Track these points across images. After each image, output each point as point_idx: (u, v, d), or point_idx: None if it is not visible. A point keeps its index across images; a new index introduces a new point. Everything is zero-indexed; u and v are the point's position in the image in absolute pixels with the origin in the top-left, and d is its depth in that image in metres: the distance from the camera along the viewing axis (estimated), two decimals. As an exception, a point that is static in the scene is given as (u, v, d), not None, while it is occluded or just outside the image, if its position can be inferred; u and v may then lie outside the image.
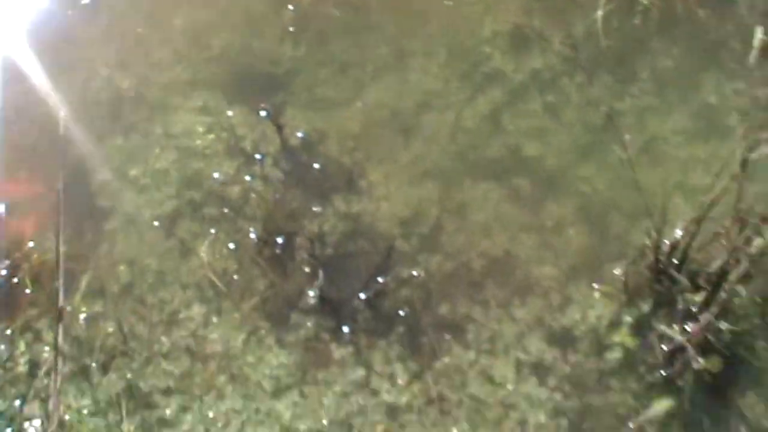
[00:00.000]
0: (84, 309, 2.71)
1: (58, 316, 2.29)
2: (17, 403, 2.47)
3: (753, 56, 3.30)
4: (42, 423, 2.42)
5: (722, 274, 2.52)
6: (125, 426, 2.45)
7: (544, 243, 2.99)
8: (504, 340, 2.74)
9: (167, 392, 2.55)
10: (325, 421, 2.52)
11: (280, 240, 2.93)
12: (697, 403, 2.65)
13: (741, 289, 2.62)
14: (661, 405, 2.62)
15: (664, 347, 2.69)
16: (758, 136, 2.37)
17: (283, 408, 2.53)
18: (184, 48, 3.49)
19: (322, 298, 2.78)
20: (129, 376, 2.57)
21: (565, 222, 3.03)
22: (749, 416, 2.65)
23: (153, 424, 2.47)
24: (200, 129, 3.25)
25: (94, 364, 2.59)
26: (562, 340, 2.77)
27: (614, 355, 2.73)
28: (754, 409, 2.66)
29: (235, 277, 2.84)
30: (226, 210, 3.01)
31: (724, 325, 2.65)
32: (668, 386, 2.67)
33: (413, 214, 3.04)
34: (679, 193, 3.00)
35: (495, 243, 2.98)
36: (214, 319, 2.73)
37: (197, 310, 2.74)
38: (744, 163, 2.38)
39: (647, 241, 2.78)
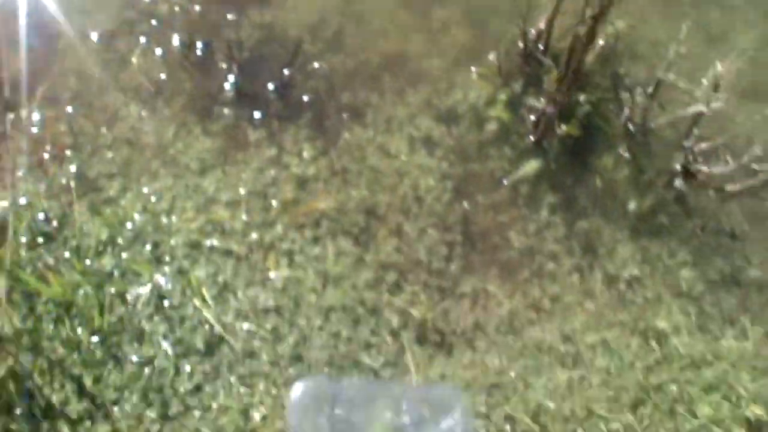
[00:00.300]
0: (40, 114, 2.51)
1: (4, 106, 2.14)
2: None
3: None
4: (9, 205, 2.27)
5: (575, 50, 2.37)
6: (76, 206, 2.29)
7: (432, 41, 2.81)
8: (398, 120, 2.60)
9: (110, 177, 2.38)
10: (242, 191, 2.38)
11: (201, 46, 2.73)
12: (562, 165, 2.55)
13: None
14: (531, 165, 2.51)
15: (533, 117, 2.56)
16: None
17: (208, 184, 2.38)
18: None
19: (239, 92, 2.60)
20: (78, 165, 2.39)
21: (450, 23, 2.86)
22: (603, 173, 2.56)
23: (99, 203, 2.31)
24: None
25: (47, 156, 2.40)
26: (448, 117, 2.64)
27: (491, 128, 2.61)
28: (606, 167, 2.57)
29: (164, 77, 2.65)
30: (155, 23, 2.78)
31: (582, 98, 2.52)
32: (537, 151, 2.55)
33: (319, 21, 2.84)
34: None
35: (390, 43, 2.80)
36: (149, 116, 2.54)
37: (134, 109, 2.55)
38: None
39: (517, 32, 2.62)
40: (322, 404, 1.96)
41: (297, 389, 1.81)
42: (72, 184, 2.33)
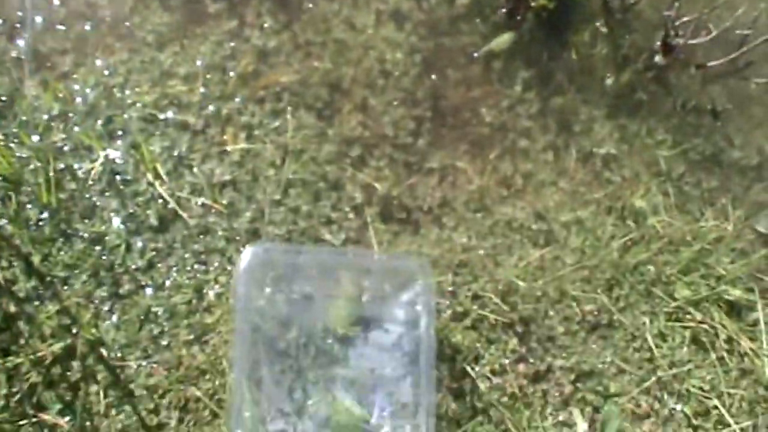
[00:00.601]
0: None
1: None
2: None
3: None
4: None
5: None
6: (27, 81, 1.97)
7: None
8: (365, -8, 2.23)
9: (63, 52, 2.05)
10: (200, 64, 2.05)
11: None
12: (537, 39, 2.22)
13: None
14: (504, 38, 2.16)
15: (506, -11, 2.20)
16: None
17: (164, 57, 2.06)
18: None
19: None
20: (30, 41, 2.04)
21: None
22: (580, 48, 2.22)
23: (52, 79, 1.99)
24: None
25: (-3, 34, 2.06)
26: (418, -10, 2.26)
27: (463, 1, 2.25)
28: (584, 42, 2.23)
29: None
30: None
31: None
32: (510, 24, 2.22)
33: None
34: None
35: None
36: (107, -8, 2.18)
37: (89, -15, 2.19)
38: None
39: None
40: (279, 281, 1.66)
41: (247, 254, 1.50)
42: (23, 61, 1.96)
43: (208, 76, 2.01)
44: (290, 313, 1.67)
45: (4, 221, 1.76)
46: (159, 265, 1.77)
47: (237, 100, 1.99)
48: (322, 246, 1.82)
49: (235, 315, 1.55)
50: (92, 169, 1.85)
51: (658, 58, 2.23)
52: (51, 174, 1.82)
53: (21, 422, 1.55)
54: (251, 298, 1.57)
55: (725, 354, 1.93)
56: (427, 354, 1.54)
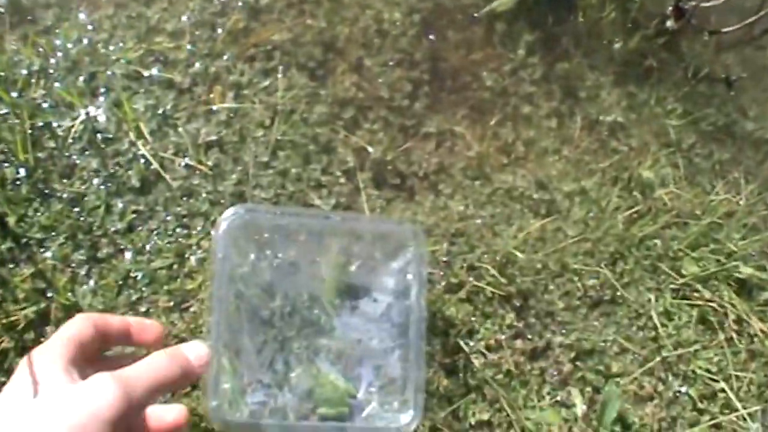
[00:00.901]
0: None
1: None
2: None
3: None
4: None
5: None
6: (7, 36, 1.84)
7: None
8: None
9: (46, 6, 1.92)
10: (186, 19, 1.91)
11: None
12: (543, 1, 2.04)
13: None
14: (507, -1, 2.00)
15: (511, -53, 2.04)
16: None
17: (151, 13, 1.92)
18: None
19: None
20: (14, -4, 1.91)
21: None
22: (587, 10, 2.09)
23: (33, 34, 1.85)
24: None
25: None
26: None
27: (465, -41, 2.08)
28: (591, 3, 2.12)
29: None
30: None
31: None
32: (515, -15, 2.04)
33: None
34: None
35: None
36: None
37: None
38: None
39: None
40: (263, 246, 1.52)
41: (228, 214, 1.35)
42: (3, 11, 1.83)
43: (196, 33, 1.87)
44: (274, 280, 1.53)
45: (-22, 181, 1.61)
46: (139, 228, 1.64)
47: (225, 57, 1.85)
48: (311, 210, 1.68)
49: (213, 280, 1.41)
50: (72, 127, 1.72)
51: (669, 23, 2.08)
52: (29, 131, 1.68)
53: (-10, 389, 1.42)
54: (233, 263, 1.43)
55: (734, 335, 1.80)
56: (417, 325, 1.40)
